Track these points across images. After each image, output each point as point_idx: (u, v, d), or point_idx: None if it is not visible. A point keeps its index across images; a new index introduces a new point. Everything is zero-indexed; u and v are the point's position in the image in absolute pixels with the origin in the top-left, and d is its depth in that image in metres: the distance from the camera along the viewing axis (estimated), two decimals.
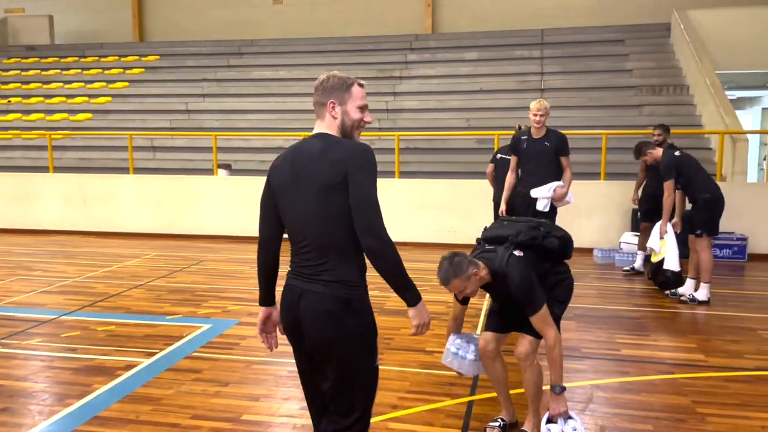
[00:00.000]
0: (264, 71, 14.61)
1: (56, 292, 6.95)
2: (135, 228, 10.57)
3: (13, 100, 14.61)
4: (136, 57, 15.90)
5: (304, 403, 4.03)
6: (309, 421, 2.79)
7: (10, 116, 13.98)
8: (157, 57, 15.82)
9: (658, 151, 6.53)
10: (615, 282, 7.41)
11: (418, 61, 14.25)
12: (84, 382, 4.42)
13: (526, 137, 6.24)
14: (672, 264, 6.40)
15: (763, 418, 3.84)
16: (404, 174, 10.01)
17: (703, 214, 6.23)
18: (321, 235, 2.41)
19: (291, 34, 16.44)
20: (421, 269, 5.48)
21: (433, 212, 9.38)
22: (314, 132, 2.52)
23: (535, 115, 6.05)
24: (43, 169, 11.54)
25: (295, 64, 14.75)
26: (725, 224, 8.52)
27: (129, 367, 4.71)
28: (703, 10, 13.00)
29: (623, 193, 8.82)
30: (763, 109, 16.85)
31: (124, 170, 11.43)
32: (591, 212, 9.05)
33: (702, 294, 6.31)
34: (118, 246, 9.68)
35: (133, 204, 10.67)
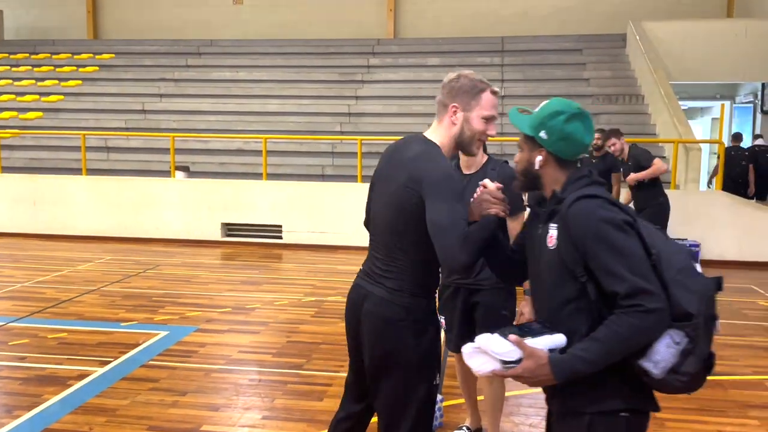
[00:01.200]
0: (224, 72, 14.38)
1: (4, 297, 6.66)
2: (88, 231, 10.24)
3: None
4: (90, 55, 15.45)
5: (266, 413, 3.99)
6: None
7: None
8: (113, 55, 15.40)
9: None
10: None
11: (381, 66, 14.24)
12: (34, 392, 4.23)
13: None
14: None
15: (719, 422, 3.93)
16: (366, 178, 9.96)
17: (654, 220, 6.35)
18: (388, 239, 2.32)
19: (251, 35, 16.21)
20: None
21: None
22: (427, 131, 2.37)
23: None
24: None
25: (256, 66, 14.56)
26: (679, 231, 8.76)
27: (82, 376, 4.53)
28: (657, 22, 13.34)
29: None
30: (712, 119, 17.41)
31: (76, 171, 11.06)
32: None
33: None
34: (69, 249, 9.36)
35: (86, 206, 10.33)
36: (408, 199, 2.22)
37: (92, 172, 11.08)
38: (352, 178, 9.74)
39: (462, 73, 2.31)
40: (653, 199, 6.39)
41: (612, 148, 6.66)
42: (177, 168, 10.29)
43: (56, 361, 4.81)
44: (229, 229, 10.04)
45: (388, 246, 2.31)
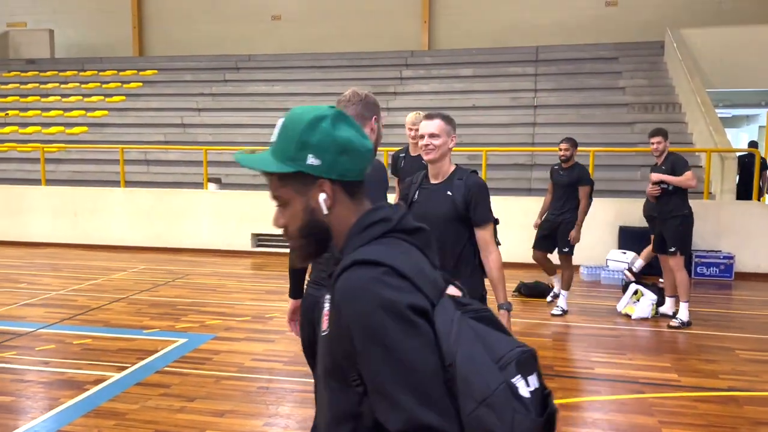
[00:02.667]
0: (260, 86, 14.70)
1: (38, 304, 6.96)
2: (124, 241, 10.59)
3: (10, 113, 14.72)
4: (135, 71, 16.03)
5: (268, 419, 4.06)
6: None
7: (7, 129, 14.08)
8: (156, 71, 15.94)
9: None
10: (599, 300, 7.38)
11: (413, 77, 14.32)
12: (52, 396, 4.42)
13: (404, 155, 5.62)
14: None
15: None
16: (392, 189, 10.00)
17: (679, 231, 6.18)
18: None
19: (288, 49, 16.56)
20: None
21: None
22: None
23: (410, 129, 5.37)
24: (38, 181, 11.61)
25: (291, 79, 14.84)
26: (713, 242, 8.52)
27: (98, 381, 4.70)
28: (697, 29, 13.03)
29: (611, 210, 8.81)
30: (759, 127, 16.87)
31: (117, 183, 11.48)
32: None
33: (683, 315, 6.26)
34: (106, 259, 9.70)
35: (123, 217, 10.70)
36: None
37: (133, 184, 11.49)
38: None
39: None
40: (679, 209, 6.21)
41: (655, 145, 6.33)
42: (209, 180, 10.56)
43: (77, 366, 5.00)
44: (260, 239, 10.23)
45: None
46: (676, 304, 6.36)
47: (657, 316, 6.45)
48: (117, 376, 4.80)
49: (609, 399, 4.41)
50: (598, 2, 15.33)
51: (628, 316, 6.48)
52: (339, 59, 15.37)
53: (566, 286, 6.66)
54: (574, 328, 6.17)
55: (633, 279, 6.97)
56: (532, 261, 9.31)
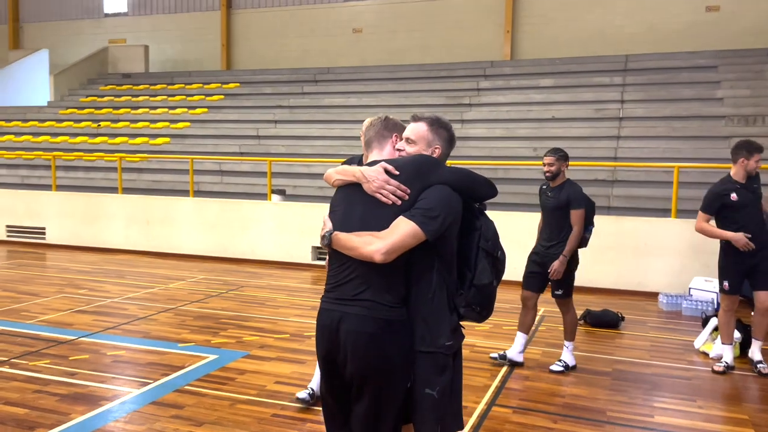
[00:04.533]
0: (335, 98, 14.64)
1: (90, 312, 7.03)
2: (191, 250, 10.72)
3: (102, 124, 15.45)
4: (218, 84, 16.45)
5: None
6: None
7: (98, 139, 14.77)
8: (238, 84, 16.28)
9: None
10: (675, 334, 6.58)
11: (490, 88, 13.78)
12: (64, 410, 4.30)
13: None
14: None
15: None
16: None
17: None
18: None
19: (369, 61, 16.47)
20: None
21: None
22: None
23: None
24: (117, 190, 12.02)
25: (367, 92, 14.68)
26: None
27: (116, 397, 4.56)
28: None
29: (695, 233, 7.90)
30: None
31: (188, 193, 11.68)
32: (659, 252, 8.19)
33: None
34: (171, 267, 9.82)
35: (191, 226, 10.84)
36: None
37: (205, 194, 11.66)
38: None
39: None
40: None
41: (758, 164, 5.17)
42: (273, 191, 10.50)
43: (101, 380, 4.90)
44: (320, 252, 10.04)
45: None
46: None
47: (740, 358, 5.61)
48: (136, 392, 4.65)
49: None
50: (697, 7, 14.20)
51: (705, 354, 5.69)
52: (417, 71, 15.08)
53: (569, 335, 5.27)
54: (639, 365, 5.47)
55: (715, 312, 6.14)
56: (602, 285, 8.61)
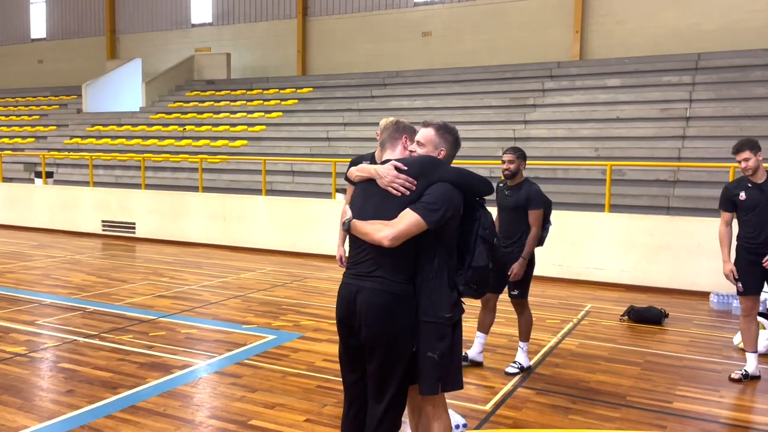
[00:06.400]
0: (402, 101, 15.14)
1: (169, 296, 7.85)
2: (263, 244, 11.51)
3: (187, 128, 16.64)
4: (293, 89, 17.32)
5: (310, 416, 4.27)
6: None
7: (183, 142, 15.93)
8: (311, 89, 17.09)
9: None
10: (719, 331, 6.65)
11: (556, 89, 13.89)
12: (142, 375, 5.01)
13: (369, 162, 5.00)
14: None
15: None
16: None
17: None
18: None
19: (437, 64, 16.87)
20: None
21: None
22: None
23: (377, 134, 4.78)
24: (198, 189, 13.02)
25: (433, 94, 15.11)
26: None
27: (185, 366, 5.23)
28: None
29: None
30: None
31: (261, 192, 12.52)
32: (713, 251, 8.18)
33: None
34: (244, 260, 10.61)
35: (263, 222, 11.63)
36: None
37: (278, 193, 12.45)
38: None
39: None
40: None
41: (743, 164, 4.94)
42: (338, 190, 11.12)
43: (174, 352, 5.61)
44: None
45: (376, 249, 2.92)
46: None
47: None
48: (202, 363, 5.31)
49: None
50: None
51: (743, 350, 5.78)
52: (482, 73, 15.36)
53: (524, 336, 5.23)
54: (672, 358, 5.65)
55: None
56: (655, 284, 8.66)
